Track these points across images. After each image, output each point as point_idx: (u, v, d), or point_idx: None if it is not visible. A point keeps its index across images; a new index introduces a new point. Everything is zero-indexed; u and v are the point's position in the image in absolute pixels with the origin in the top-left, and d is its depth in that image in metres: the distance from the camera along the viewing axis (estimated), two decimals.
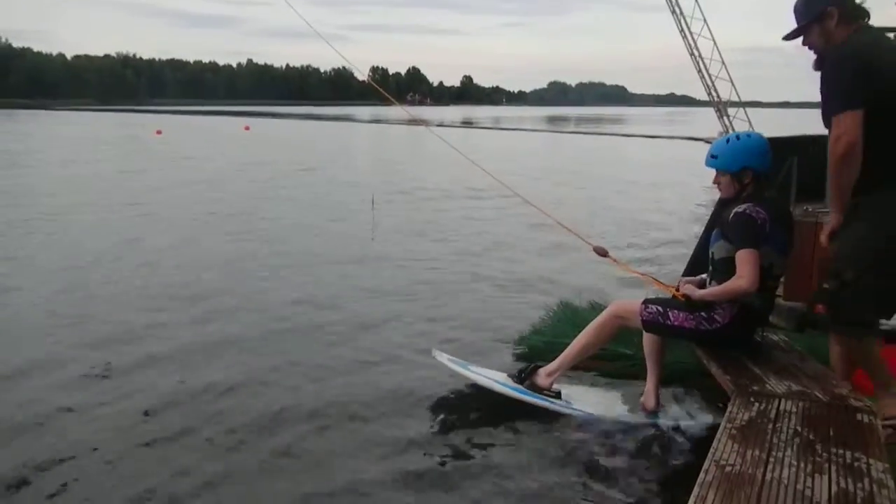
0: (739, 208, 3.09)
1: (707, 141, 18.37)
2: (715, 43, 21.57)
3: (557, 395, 3.59)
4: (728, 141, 3.25)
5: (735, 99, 22.69)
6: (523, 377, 3.64)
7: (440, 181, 14.39)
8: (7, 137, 28.70)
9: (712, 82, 22.10)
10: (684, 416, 3.55)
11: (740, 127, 20.53)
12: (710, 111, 24.11)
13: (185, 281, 6.28)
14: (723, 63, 22.04)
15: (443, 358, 3.90)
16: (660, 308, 3.25)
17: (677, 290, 3.31)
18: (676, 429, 3.45)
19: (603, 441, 3.36)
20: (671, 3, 21.50)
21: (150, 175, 15.39)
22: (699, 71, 22.07)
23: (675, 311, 3.20)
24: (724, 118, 22.14)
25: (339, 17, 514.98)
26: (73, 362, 4.26)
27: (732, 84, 22.47)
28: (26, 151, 21.36)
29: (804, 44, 2.80)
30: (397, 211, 10.78)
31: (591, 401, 3.67)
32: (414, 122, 13.98)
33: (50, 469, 3.03)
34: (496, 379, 3.72)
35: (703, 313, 3.15)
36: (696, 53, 21.86)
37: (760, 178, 3.17)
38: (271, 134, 35.45)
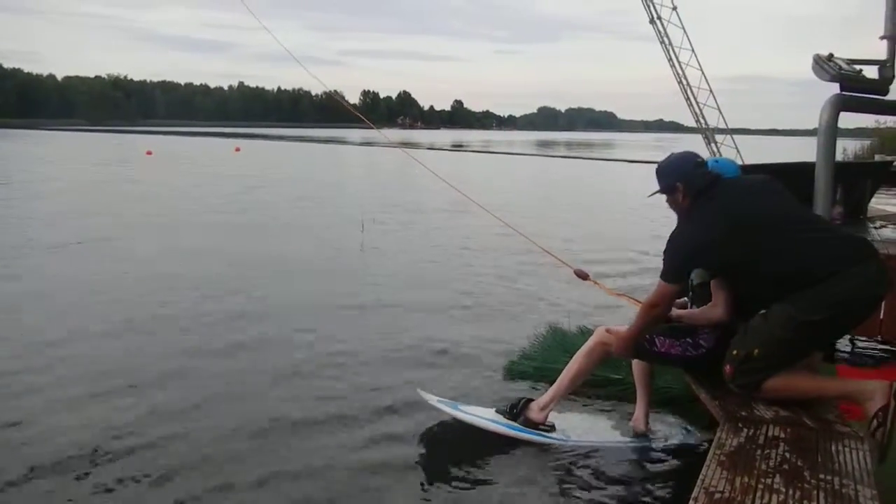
0: None
1: None
2: (703, 72, 21.81)
3: (552, 428, 3.55)
4: None
5: (723, 126, 22.91)
6: (516, 412, 3.56)
7: (425, 202, 14.44)
8: None
9: (700, 110, 22.30)
10: (674, 439, 3.56)
11: (728, 153, 20.73)
12: (699, 137, 24.34)
13: (167, 312, 6.18)
14: (710, 92, 22.26)
15: (431, 399, 3.78)
16: (646, 334, 3.26)
17: None
18: (667, 452, 3.46)
19: (593, 465, 3.35)
20: (660, 33, 21.77)
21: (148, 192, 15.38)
22: (687, 99, 22.29)
23: (661, 338, 3.19)
24: (712, 144, 22.34)
25: (333, 43, 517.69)
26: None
27: (720, 112, 22.71)
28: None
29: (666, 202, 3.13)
30: (385, 232, 10.76)
31: (583, 428, 3.65)
32: (396, 144, 14.02)
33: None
34: (488, 417, 3.64)
35: (688, 339, 3.15)
36: (684, 82, 22.07)
37: None
38: (262, 155, 35.43)
